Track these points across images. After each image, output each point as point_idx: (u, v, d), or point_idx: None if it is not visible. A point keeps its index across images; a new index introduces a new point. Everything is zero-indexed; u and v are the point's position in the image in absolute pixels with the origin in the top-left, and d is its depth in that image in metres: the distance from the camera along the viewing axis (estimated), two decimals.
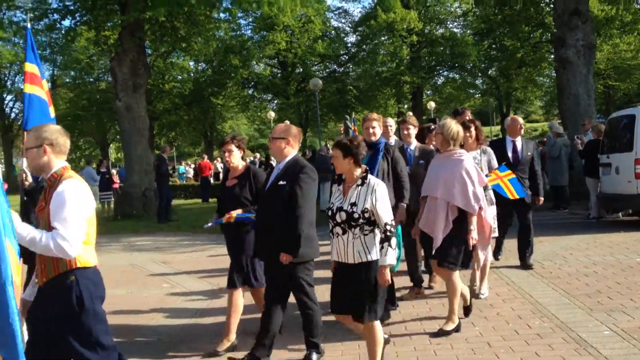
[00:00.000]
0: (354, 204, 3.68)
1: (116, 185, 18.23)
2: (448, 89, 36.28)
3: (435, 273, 4.85)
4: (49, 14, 16.49)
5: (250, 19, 33.96)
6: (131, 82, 15.77)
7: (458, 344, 4.48)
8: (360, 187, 3.73)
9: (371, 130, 5.14)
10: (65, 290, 3.01)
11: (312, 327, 4.23)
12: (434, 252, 4.70)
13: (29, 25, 6.50)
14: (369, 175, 3.78)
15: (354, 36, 36.64)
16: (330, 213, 3.78)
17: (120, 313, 5.92)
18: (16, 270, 2.76)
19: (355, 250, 3.68)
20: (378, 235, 3.67)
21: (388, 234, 3.62)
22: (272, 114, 34.16)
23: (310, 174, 4.19)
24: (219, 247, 8.71)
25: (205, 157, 26.99)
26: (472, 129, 5.68)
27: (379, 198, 3.66)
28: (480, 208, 4.70)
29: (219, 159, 26.49)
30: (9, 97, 40.76)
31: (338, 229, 3.72)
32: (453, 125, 4.71)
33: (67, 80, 37.45)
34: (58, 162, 3.20)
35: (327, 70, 37.49)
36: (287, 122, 4.87)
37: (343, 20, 37.85)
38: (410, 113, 5.11)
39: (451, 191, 4.62)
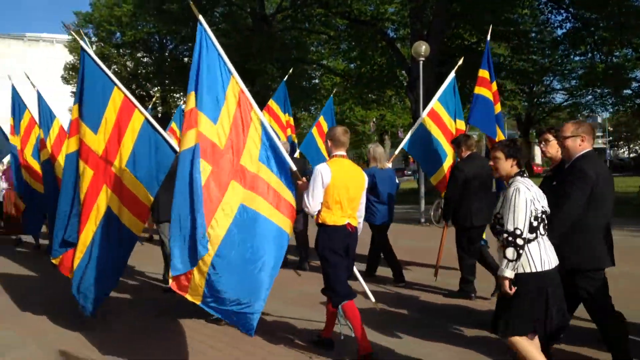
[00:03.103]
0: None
1: None
2: None
3: None
4: None
5: None
6: None
7: None
8: (505, 190, 3.54)
9: None
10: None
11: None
12: None
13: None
14: (516, 177, 3.54)
15: None
16: None
17: None
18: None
19: (498, 259, 3.51)
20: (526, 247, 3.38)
21: (504, 242, 3.36)
22: None
23: (578, 174, 3.88)
24: None
25: None
26: None
27: (508, 201, 3.40)
28: None
29: None
30: None
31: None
32: None
33: None
34: (336, 152, 4.61)
35: None
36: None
37: None
38: None
39: None
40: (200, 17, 4.45)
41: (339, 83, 33.57)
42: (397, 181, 7.57)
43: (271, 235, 4.38)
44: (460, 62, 8.14)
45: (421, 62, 14.18)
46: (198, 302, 4.06)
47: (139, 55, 35.10)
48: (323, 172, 4.41)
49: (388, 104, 35.18)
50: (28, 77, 9.49)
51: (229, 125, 4.42)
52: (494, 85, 7.25)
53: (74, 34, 6.12)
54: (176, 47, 34.00)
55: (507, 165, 3.59)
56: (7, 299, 6.79)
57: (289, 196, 4.59)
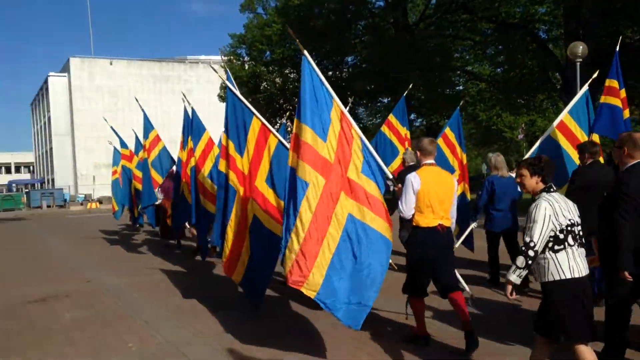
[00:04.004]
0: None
1: None
2: None
3: None
4: None
5: None
6: None
7: None
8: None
9: None
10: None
11: None
12: None
13: None
14: (542, 193, 3.73)
15: None
16: None
17: None
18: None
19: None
20: (548, 258, 3.61)
21: (521, 252, 3.61)
22: None
23: (622, 187, 4.20)
24: None
25: None
26: None
27: (529, 216, 3.64)
28: None
29: None
30: None
31: None
32: None
33: None
34: (425, 161, 5.07)
35: None
36: None
37: None
38: None
39: None
40: (305, 52, 5.01)
41: (485, 89, 32.51)
42: (519, 190, 7.58)
43: (375, 242, 4.85)
44: (595, 74, 7.89)
45: (578, 63, 13.30)
46: (312, 296, 4.58)
47: (286, 71, 36.91)
48: (413, 180, 4.91)
49: (539, 108, 33.30)
50: (184, 96, 11.09)
51: (336, 143, 4.99)
52: (623, 92, 7.23)
53: (222, 78, 7.22)
54: (320, 62, 35.26)
55: (532, 182, 3.80)
56: (180, 299, 7.56)
57: (384, 205, 5.10)
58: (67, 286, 8.78)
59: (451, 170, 8.70)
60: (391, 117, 11.53)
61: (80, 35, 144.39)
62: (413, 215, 4.94)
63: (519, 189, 7.60)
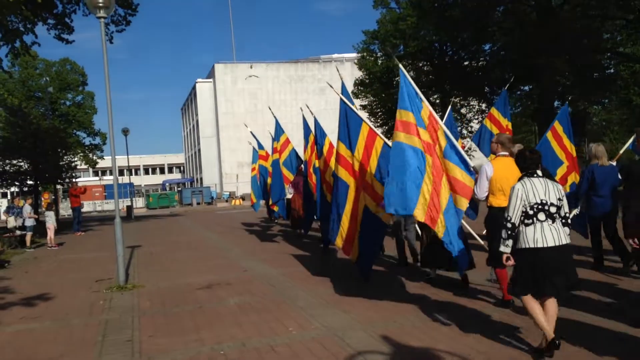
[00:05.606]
0: None
1: None
2: None
3: None
4: None
5: None
6: None
7: None
8: None
9: None
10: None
11: None
12: None
13: None
14: (523, 178, 4.60)
15: None
16: None
17: None
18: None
19: None
20: (520, 230, 4.54)
21: (503, 225, 4.60)
22: None
23: None
24: None
25: None
26: None
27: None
28: None
29: None
30: None
31: None
32: None
33: None
34: (500, 152, 6.15)
35: None
36: None
37: None
38: None
39: None
40: (400, 65, 6.80)
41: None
42: (619, 177, 8.02)
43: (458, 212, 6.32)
44: None
45: None
46: (441, 234, 6.13)
47: (420, 64, 36.46)
48: (487, 169, 6.02)
49: None
50: (308, 107, 12.81)
51: (428, 135, 6.39)
52: None
53: (340, 95, 8.16)
54: (455, 52, 34.35)
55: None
56: (329, 288, 7.90)
57: (469, 180, 6.24)
58: (227, 275, 9.55)
59: (558, 162, 9.61)
60: (493, 110, 12.55)
61: (223, 42, 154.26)
62: (487, 197, 6.06)
63: (619, 177, 8.01)
